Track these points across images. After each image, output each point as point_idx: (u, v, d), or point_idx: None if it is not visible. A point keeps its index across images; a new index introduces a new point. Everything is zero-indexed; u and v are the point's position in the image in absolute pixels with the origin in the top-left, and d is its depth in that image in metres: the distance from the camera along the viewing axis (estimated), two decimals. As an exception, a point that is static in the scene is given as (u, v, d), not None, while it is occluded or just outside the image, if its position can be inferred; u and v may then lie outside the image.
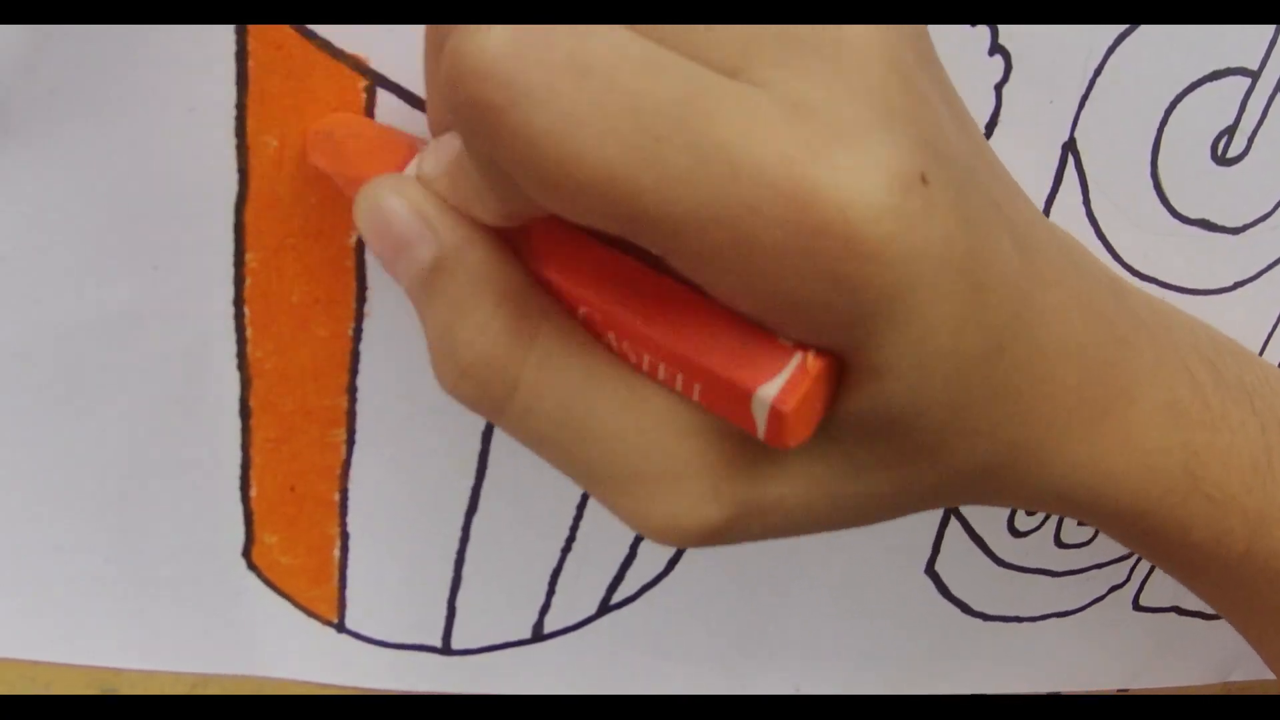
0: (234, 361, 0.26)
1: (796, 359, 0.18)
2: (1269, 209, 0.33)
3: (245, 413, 0.27)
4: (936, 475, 0.21)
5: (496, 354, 0.20)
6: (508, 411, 0.20)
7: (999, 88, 0.28)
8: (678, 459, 0.20)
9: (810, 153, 0.16)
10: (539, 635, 0.34)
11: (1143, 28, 0.29)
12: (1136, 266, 0.32)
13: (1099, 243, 0.31)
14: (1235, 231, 0.33)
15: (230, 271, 0.25)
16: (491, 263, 0.20)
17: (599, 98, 0.16)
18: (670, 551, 0.33)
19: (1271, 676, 0.32)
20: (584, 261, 0.20)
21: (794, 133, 0.16)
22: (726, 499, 0.20)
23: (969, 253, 0.18)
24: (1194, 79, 0.30)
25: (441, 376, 0.21)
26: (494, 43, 0.16)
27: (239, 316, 0.26)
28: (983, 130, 0.29)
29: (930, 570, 0.36)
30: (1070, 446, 0.23)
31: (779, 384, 0.18)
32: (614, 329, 0.20)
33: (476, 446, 0.29)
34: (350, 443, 0.28)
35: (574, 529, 0.32)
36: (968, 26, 0.27)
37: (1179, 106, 0.31)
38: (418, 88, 0.24)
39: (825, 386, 0.19)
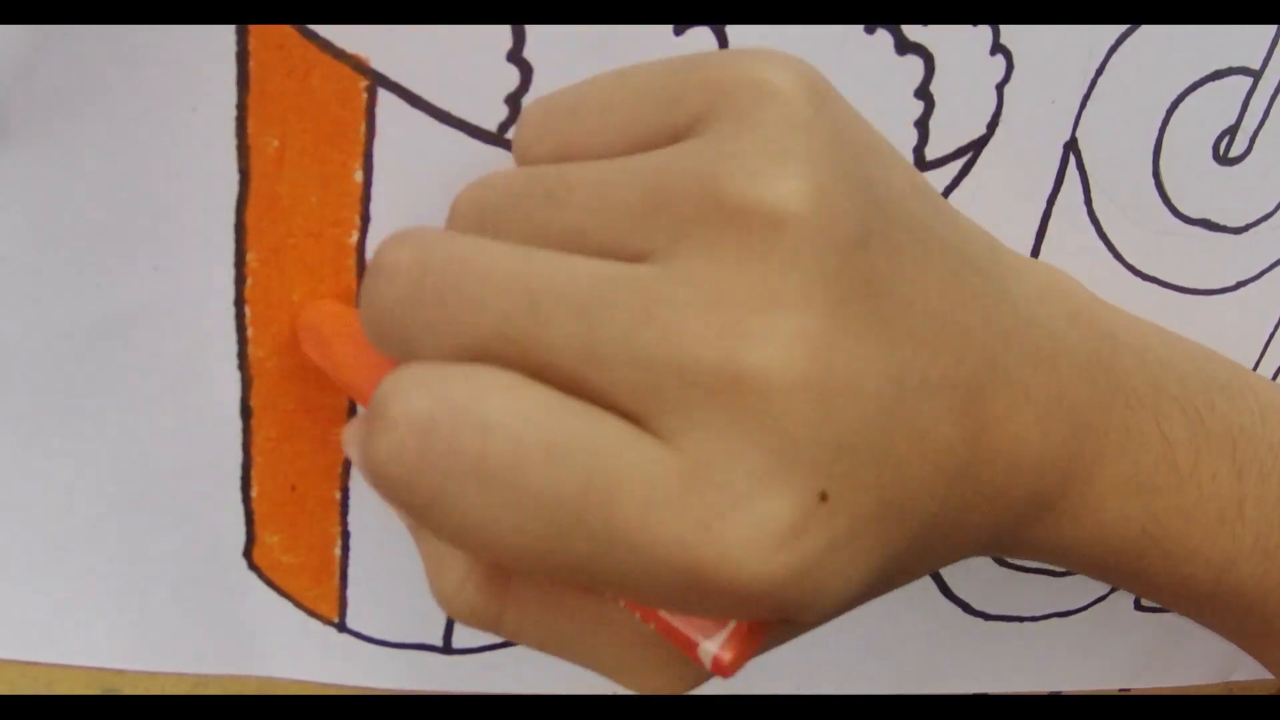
0: (235, 361, 0.26)
1: (734, 623, 0.21)
2: (1270, 209, 0.33)
3: (246, 412, 0.27)
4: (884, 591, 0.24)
5: (475, 604, 0.23)
6: (498, 633, 0.24)
7: (1000, 87, 0.28)
8: (649, 661, 0.23)
9: (701, 529, 0.18)
10: (540, 635, 0.34)
11: (1144, 27, 0.29)
12: (1138, 266, 0.32)
13: (1100, 243, 0.31)
14: (1237, 231, 0.33)
15: (231, 271, 0.25)
16: None
17: (505, 501, 0.18)
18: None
19: (1273, 676, 0.32)
20: None
21: (687, 509, 0.18)
22: (697, 675, 0.24)
23: (886, 500, 0.20)
24: (1195, 79, 0.30)
25: (437, 602, 0.24)
26: (400, 452, 0.18)
27: (240, 316, 0.26)
28: (984, 131, 0.29)
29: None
30: (1022, 532, 0.25)
31: (719, 640, 0.20)
32: None
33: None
34: (351, 442, 0.28)
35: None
36: (969, 26, 0.27)
37: (1181, 106, 0.31)
38: (419, 88, 0.24)
39: (761, 636, 0.21)
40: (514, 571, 0.23)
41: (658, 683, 0.23)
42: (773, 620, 0.20)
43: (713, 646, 0.20)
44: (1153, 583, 0.27)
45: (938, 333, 0.21)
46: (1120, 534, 0.26)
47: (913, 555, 0.22)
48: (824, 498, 0.18)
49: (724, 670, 0.21)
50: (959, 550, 0.24)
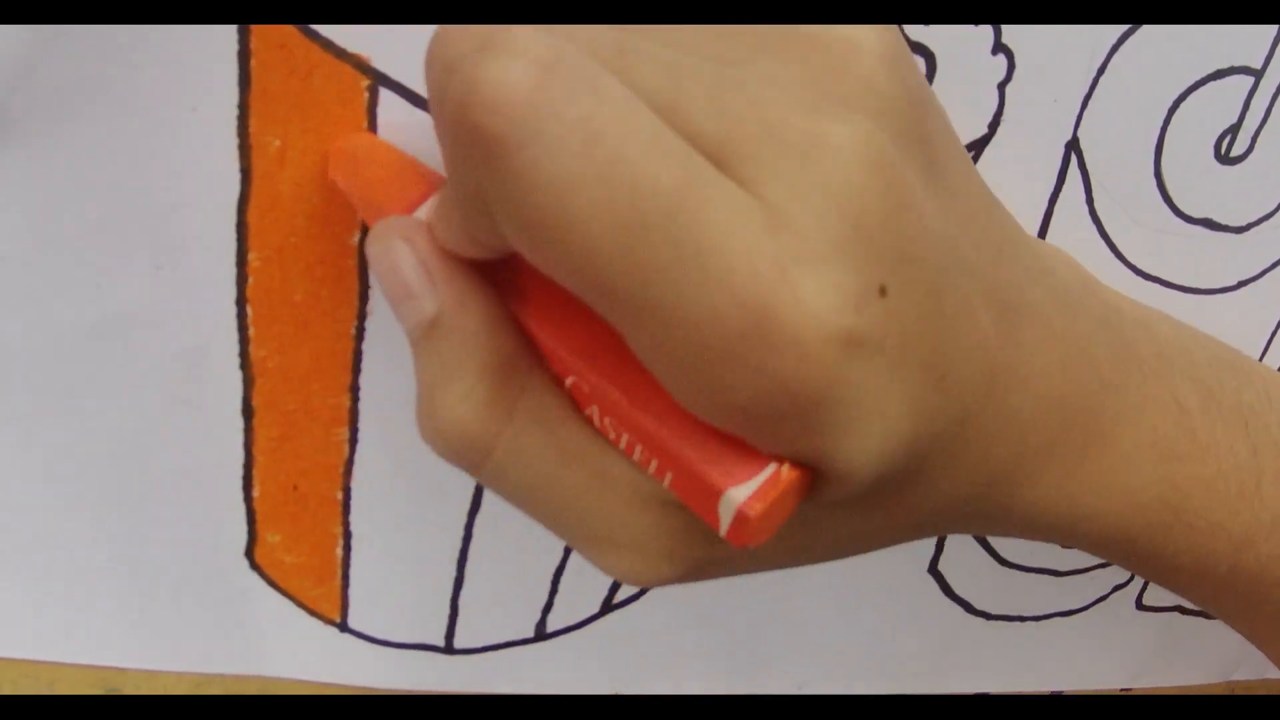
0: (236, 361, 0.26)
1: (771, 469, 0.19)
2: (1272, 208, 0.33)
3: (248, 412, 0.27)
4: (902, 525, 0.23)
5: (473, 423, 0.21)
6: (480, 473, 0.22)
7: (1002, 87, 0.28)
8: (637, 530, 0.21)
9: (778, 270, 0.17)
10: (542, 634, 0.34)
11: (1146, 26, 0.29)
12: (1140, 265, 0.32)
13: (1102, 242, 0.31)
14: (1238, 230, 0.33)
15: (232, 271, 0.25)
16: (485, 329, 0.21)
17: (604, 167, 0.16)
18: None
19: (1275, 676, 0.32)
20: (581, 332, 0.21)
21: (766, 246, 0.17)
22: (680, 560, 0.22)
23: (930, 349, 0.19)
24: (1197, 78, 0.30)
25: (421, 429, 0.22)
26: (515, 77, 0.16)
27: (241, 316, 0.26)
28: (986, 130, 0.29)
29: (933, 569, 0.36)
30: (1046, 489, 0.24)
31: (749, 489, 0.19)
32: (598, 403, 0.21)
33: (479, 446, 0.29)
34: (353, 441, 0.28)
35: (577, 528, 0.32)
36: (971, 26, 0.27)
37: (1182, 105, 0.31)
38: (420, 87, 0.24)
39: (794, 496, 0.19)
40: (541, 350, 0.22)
41: (642, 563, 0.22)
42: (809, 418, 0.18)
43: (741, 495, 0.19)
44: (1173, 561, 0.27)
45: (979, 230, 0.21)
46: (1142, 503, 0.25)
47: (942, 462, 0.21)
48: (884, 292, 0.18)
49: (747, 529, 0.19)
50: (982, 490, 0.23)
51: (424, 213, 0.22)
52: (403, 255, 0.21)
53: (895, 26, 0.20)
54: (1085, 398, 0.24)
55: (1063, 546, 0.28)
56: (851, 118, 0.18)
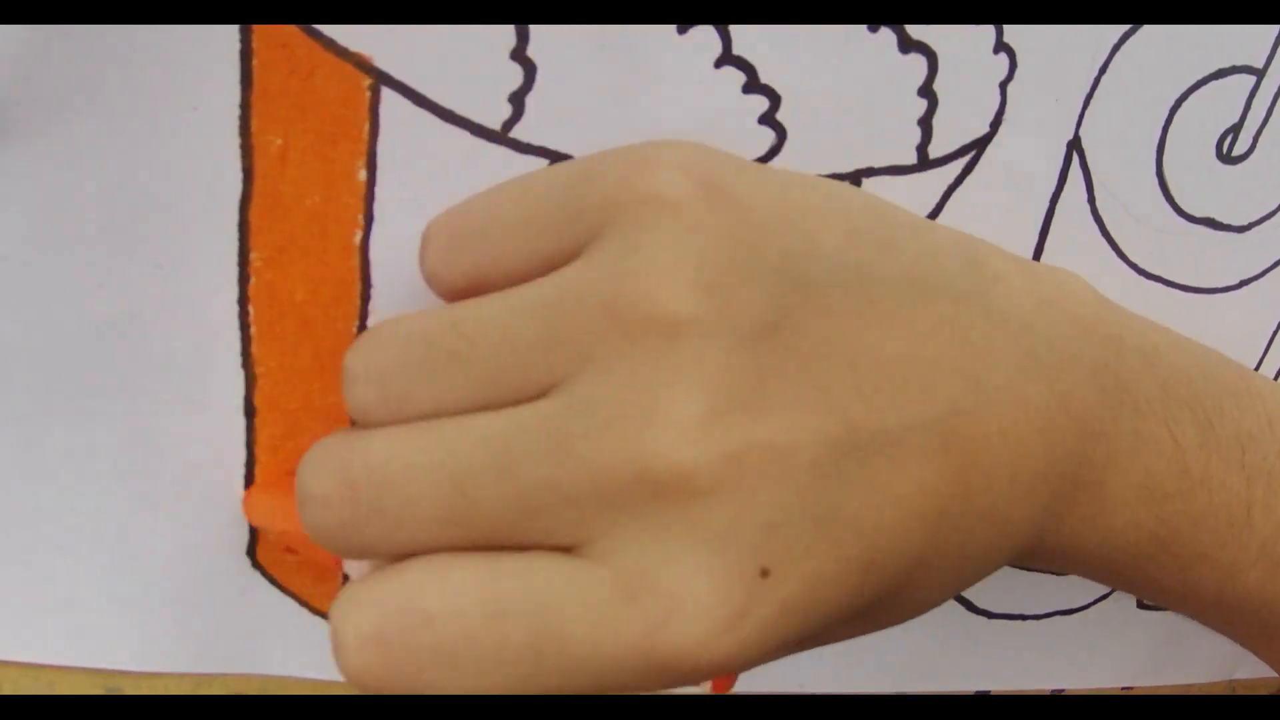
0: (238, 360, 0.26)
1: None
2: (1274, 207, 0.33)
3: (250, 411, 0.27)
4: (894, 620, 0.25)
5: None
6: None
7: (1004, 86, 0.28)
8: None
9: (652, 632, 0.19)
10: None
11: (1147, 27, 0.29)
12: (1141, 265, 0.32)
13: (1104, 241, 0.31)
14: (1240, 230, 0.33)
15: (234, 270, 0.25)
16: None
17: (469, 672, 0.19)
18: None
19: (1276, 675, 0.32)
20: None
21: (634, 616, 0.19)
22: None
23: (839, 581, 0.21)
24: (1199, 77, 0.30)
25: None
26: (366, 666, 0.20)
27: (243, 315, 0.26)
28: (987, 129, 0.29)
29: (934, 568, 0.36)
30: (1033, 538, 0.25)
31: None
32: None
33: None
34: (354, 441, 0.28)
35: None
36: (973, 25, 0.27)
37: (1184, 105, 0.31)
38: (423, 86, 0.24)
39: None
40: None
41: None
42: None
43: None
44: (1159, 586, 0.27)
45: (894, 378, 0.21)
46: (1130, 539, 0.26)
47: (907, 592, 0.23)
48: (765, 574, 0.19)
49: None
50: (972, 574, 0.24)
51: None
52: None
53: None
54: (1071, 457, 0.24)
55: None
56: (677, 431, 0.19)
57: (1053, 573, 0.37)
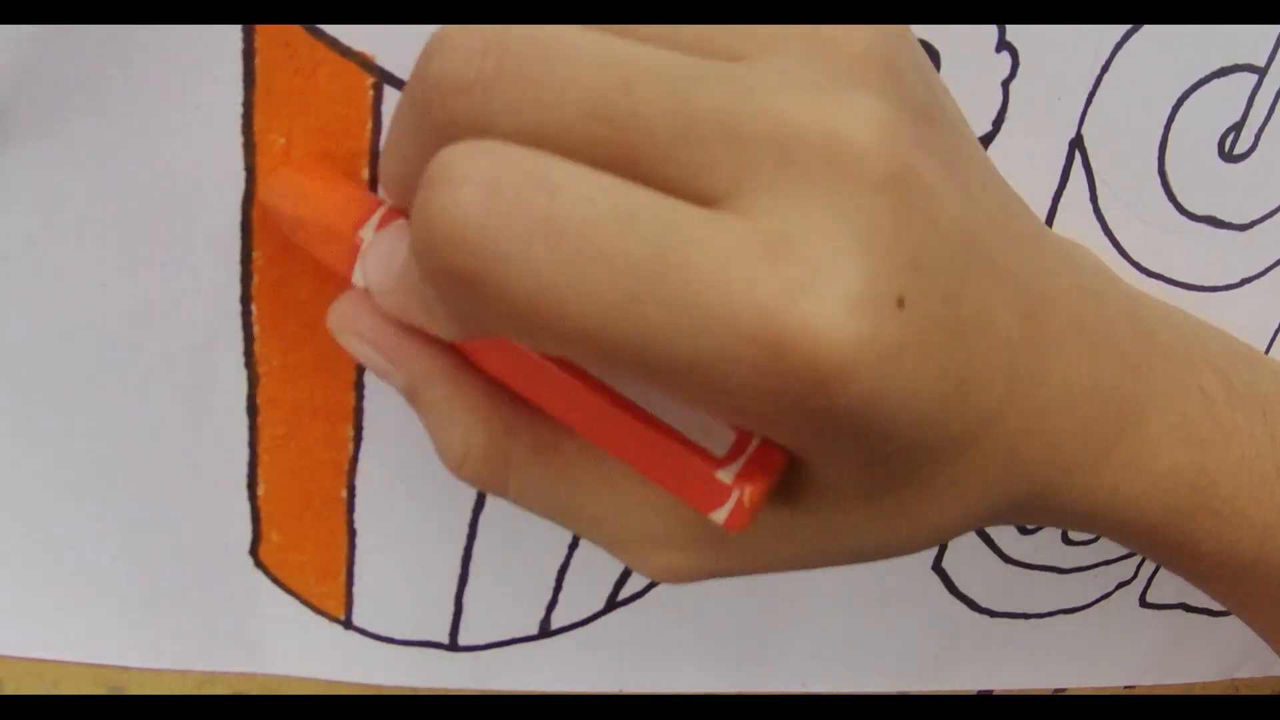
0: (241, 359, 0.26)
1: (734, 496, 0.20)
2: (1275, 206, 0.33)
3: (253, 410, 0.27)
4: (935, 525, 0.23)
5: (479, 471, 0.23)
6: (506, 497, 0.24)
7: (1006, 84, 0.28)
8: (653, 529, 0.22)
9: (784, 298, 0.17)
10: (546, 631, 0.34)
11: (1149, 25, 0.29)
12: (1144, 263, 0.32)
13: (1106, 239, 0.31)
14: (1242, 228, 0.33)
15: (237, 269, 0.25)
16: (458, 391, 0.23)
17: (574, 261, 0.16)
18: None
19: (1278, 675, 0.32)
20: (544, 379, 0.22)
21: (768, 275, 0.17)
22: (701, 557, 0.23)
23: (948, 357, 0.19)
24: (1201, 75, 0.30)
25: (445, 465, 0.23)
26: (464, 209, 0.16)
27: (246, 314, 0.26)
28: (990, 128, 0.29)
29: (937, 566, 0.36)
30: (1080, 477, 0.24)
31: (735, 469, 0.20)
32: (575, 426, 0.22)
33: (483, 444, 0.29)
34: (358, 439, 0.28)
35: (580, 526, 0.32)
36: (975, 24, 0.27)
37: (1186, 103, 0.30)
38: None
39: (777, 466, 0.20)
40: (523, 428, 0.23)
41: (657, 559, 0.23)
42: (827, 433, 0.18)
43: (728, 476, 0.20)
44: (1198, 549, 0.27)
45: (1001, 223, 0.20)
46: (1171, 488, 0.25)
47: (966, 465, 0.21)
48: (901, 304, 0.18)
49: (741, 513, 0.20)
50: (1015, 485, 0.23)
51: (358, 279, 0.22)
52: (355, 349, 0.23)
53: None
54: (1114, 384, 0.24)
55: (1088, 534, 0.28)
56: (867, 116, 0.17)
57: (1058, 570, 0.37)
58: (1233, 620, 0.32)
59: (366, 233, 0.22)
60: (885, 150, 0.17)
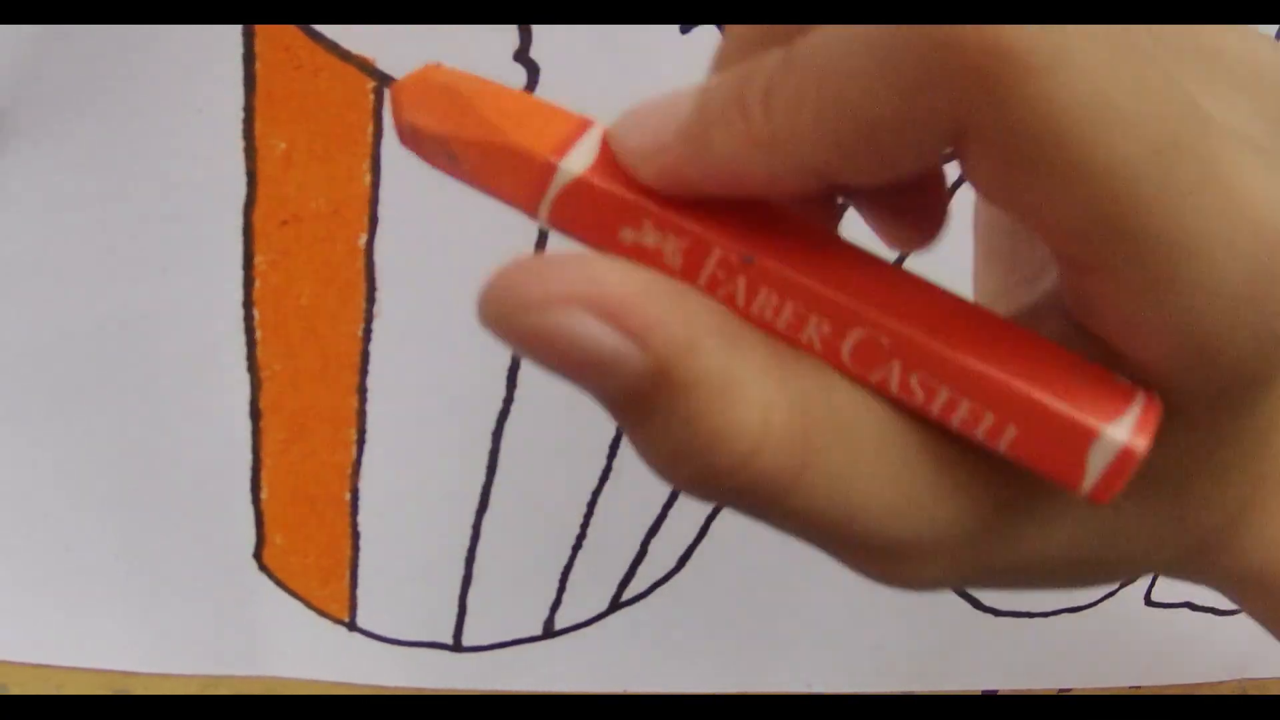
0: (244, 364, 0.26)
1: (1141, 398, 0.16)
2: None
3: (255, 415, 0.27)
4: (1176, 536, 0.20)
5: (779, 459, 0.16)
6: (785, 502, 0.17)
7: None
8: (938, 529, 0.18)
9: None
10: (550, 632, 0.34)
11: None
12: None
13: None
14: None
15: (239, 274, 0.25)
16: (741, 350, 0.16)
17: (1135, 80, 0.14)
18: (681, 549, 0.33)
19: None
20: (863, 282, 0.16)
21: (1272, 182, 0.16)
22: (968, 567, 0.19)
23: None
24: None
25: (720, 460, 0.17)
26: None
27: (248, 319, 0.26)
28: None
29: (941, 567, 0.36)
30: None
31: (1129, 425, 0.16)
32: (902, 359, 0.16)
33: (487, 445, 0.29)
34: (360, 442, 0.28)
35: (585, 526, 0.32)
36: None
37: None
38: (426, 89, 0.24)
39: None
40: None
41: (913, 572, 0.18)
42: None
43: (1122, 433, 0.15)
44: None
45: None
46: None
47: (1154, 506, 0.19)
48: None
49: (1125, 472, 0.15)
50: (1241, 492, 0.20)
51: (576, 163, 0.16)
52: (580, 327, 0.15)
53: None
54: None
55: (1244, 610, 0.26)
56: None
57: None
58: (1240, 619, 0.32)
59: (575, 159, 0.16)
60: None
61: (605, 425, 0.30)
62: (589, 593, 0.33)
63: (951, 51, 0.14)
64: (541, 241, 0.27)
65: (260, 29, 0.23)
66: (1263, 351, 0.16)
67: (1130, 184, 0.15)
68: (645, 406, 0.16)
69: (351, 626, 0.31)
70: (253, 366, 0.26)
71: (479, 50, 0.24)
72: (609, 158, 0.16)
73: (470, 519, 0.30)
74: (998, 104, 0.14)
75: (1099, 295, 0.16)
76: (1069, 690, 0.40)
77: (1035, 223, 0.15)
